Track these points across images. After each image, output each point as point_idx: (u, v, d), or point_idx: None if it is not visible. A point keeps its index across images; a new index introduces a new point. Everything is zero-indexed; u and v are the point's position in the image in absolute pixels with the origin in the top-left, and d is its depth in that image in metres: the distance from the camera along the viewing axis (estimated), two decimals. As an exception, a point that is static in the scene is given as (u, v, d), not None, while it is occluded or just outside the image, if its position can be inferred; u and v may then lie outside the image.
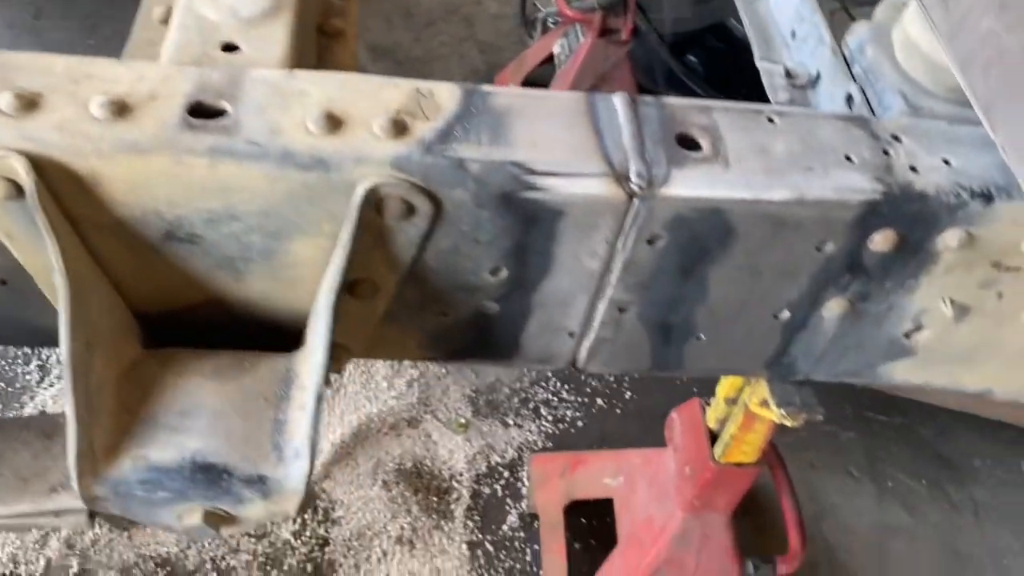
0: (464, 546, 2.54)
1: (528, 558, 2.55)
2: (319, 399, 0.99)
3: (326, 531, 2.51)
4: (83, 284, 1.00)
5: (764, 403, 1.48)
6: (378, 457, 2.67)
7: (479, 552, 2.54)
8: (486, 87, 1.07)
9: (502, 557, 2.54)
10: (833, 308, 1.24)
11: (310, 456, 1.00)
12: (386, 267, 1.08)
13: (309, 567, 2.44)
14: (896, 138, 1.14)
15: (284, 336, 1.18)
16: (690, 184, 1.03)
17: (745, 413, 1.58)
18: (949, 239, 1.13)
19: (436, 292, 1.15)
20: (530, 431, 2.84)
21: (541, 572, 2.49)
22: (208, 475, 0.98)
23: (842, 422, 3.08)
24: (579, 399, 2.95)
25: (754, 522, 2.60)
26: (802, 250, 1.14)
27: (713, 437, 1.76)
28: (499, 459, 2.75)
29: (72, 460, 0.92)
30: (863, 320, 1.28)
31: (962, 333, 1.32)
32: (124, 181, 0.96)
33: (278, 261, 1.08)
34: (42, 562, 2.34)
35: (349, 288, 1.10)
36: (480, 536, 2.57)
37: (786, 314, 1.25)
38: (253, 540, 2.47)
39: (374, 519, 2.54)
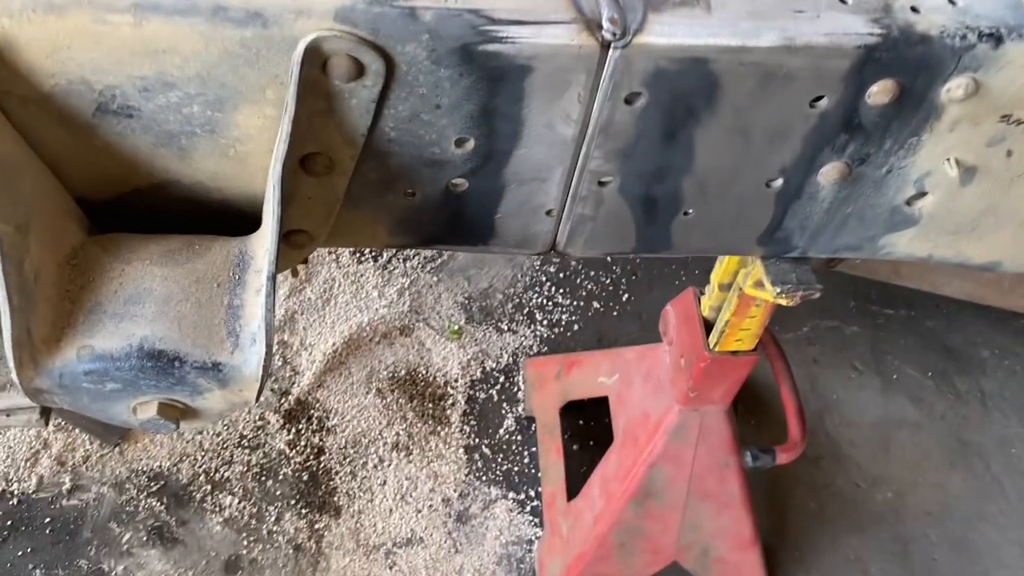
0: (461, 450, 2.53)
1: (526, 460, 2.55)
2: (273, 281, 0.94)
3: (321, 440, 2.51)
4: (10, 164, 0.93)
5: (759, 284, 1.42)
6: (371, 366, 2.65)
7: (476, 456, 2.54)
8: None
9: (499, 460, 2.54)
10: (829, 173, 1.17)
11: (267, 341, 0.95)
12: (340, 138, 1.00)
13: (305, 476, 2.44)
14: (897, -28, 1.04)
15: (243, 223, 1.12)
16: (668, 31, 0.95)
17: (740, 297, 1.53)
18: (954, 88, 1.04)
19: (399, 168, 1.08)
20: (525, 336, 2.80)
21: (539, 474, 2.49)
22: (159, 363, 0.93)
23: (846, 317, 3.04)
24: (574, 302, 2.90)
25: (754, 417, 2.59)
26: (794, 107, 1.06)
27: (708, 326, 1.71)
28: (494, 364, 2.72)
29: (9, 351, 0.87)
30: (862, 186, 1.21)
31: (968, 198, 1.25)
32: (42, 46, 0.89)
33: (224, 135, 1.01)
34: (34, 480, 2.34)
35: (302, 164, 1.03)
36: (477, 440, 2.57)
37: (779, 182, 1.18)
38: (247, 451, 2.46)
39: (369, 427, 2.53)
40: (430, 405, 2.60)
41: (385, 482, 2.44)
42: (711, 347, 1.68)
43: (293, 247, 1.16)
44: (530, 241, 1.25)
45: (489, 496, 2.47)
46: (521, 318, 2.85)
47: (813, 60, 0.99)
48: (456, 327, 2.78)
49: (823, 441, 2.70)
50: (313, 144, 1.01)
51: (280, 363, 2.64)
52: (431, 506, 2.42)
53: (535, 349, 2.78)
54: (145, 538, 2.29)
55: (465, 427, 2.58)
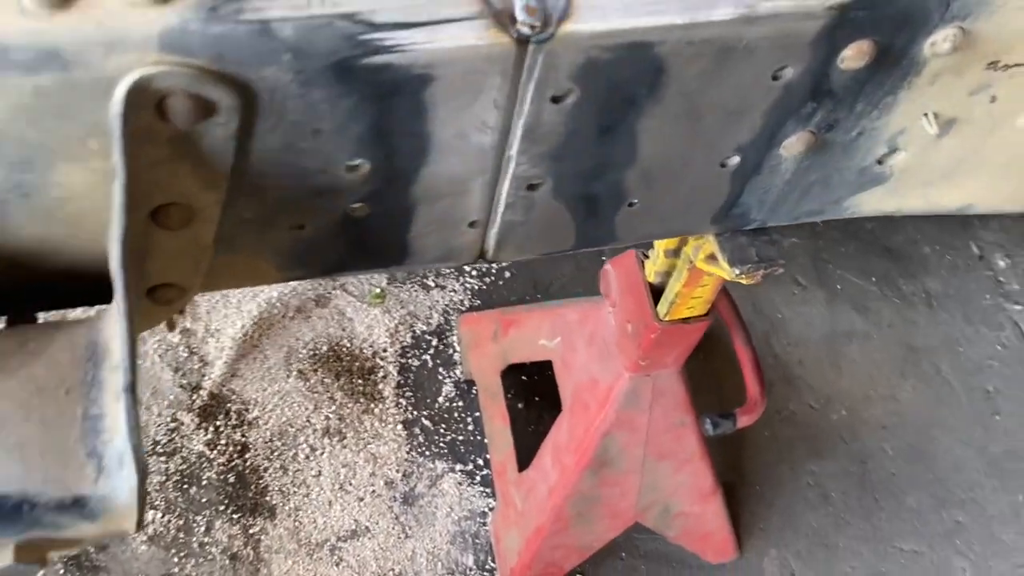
0: (399, 426, 2.39)
1: (471, 427, 2.43)
2: (133, 393, 0.75)
3: (243, 436, 2.33)
4: None
5: (712, 258, 1.28)
6: (288, 345, 2.45)
7: (416, 430, 2.40)
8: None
9: (442, 431, 2.41)
10: (793, 146, 1.02)
11: (138, 459, 0.76)
12: (197, 184, 0.80)
13: (231, 477, 2.27)
14: (865, -89, 0.87)
15: (103, 286, 0.92)
16: (600, 13, 0.76)
17: (690, 270, 1.38)
18: (940, 42, 0.89)
19: (280, 203, 0.89)
20: (454, 291, 2.64)
21: (485, 440, 2.38)
22: (1, 510, 0.74)
23: (784, 228, 2.94)
24: (503, 246, 2.74)
25: (706, 368, 2.49)
26: (754, 81, 0.89)
27: (654, 290, 1.57)
28: (424, 327, 2.56)
29: None
30: (828, 152, 1.06)
31: (945, 149, 1.12)
32: None
33: (43, 197, 0.79)
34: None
35: (154, 217, 0.82)
36: (415, 413, 2.43)
37: (735, 160, 1.03)
38: (163, 458, 2.27)
39: (295, 414, 2.36)
40: (359, 381, 2.44)
41: (320, 473, 2.29)
42: (660, 317, 1.55)
43: (161, 304, 0.96)
44: (453, 255, 1.08)
45: (435, 471, 2.35)
46: (448, 271, 2.68)
47: (777, 28, 0.83)
48: (378, 290, 2.59)
49: (772, 364, 2.64)
50: (163, 195, 0.80)
51: (186, 354, 2.43)
52: (374, 491, 2.29)
53: (467, 304, 2.63)
54: (62, 571, 2.11)
55: (401, 400, 2.43)
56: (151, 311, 0.98)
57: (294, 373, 2.42)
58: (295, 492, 2.27)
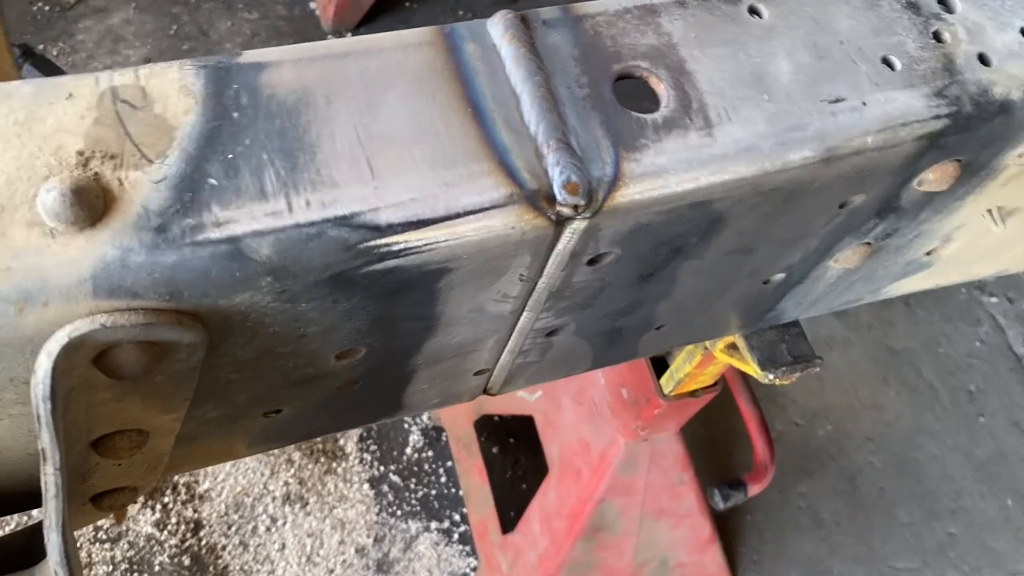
0: (366, 485, 2.24)
1: (443, 479, 2.29)
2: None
3: (195, 511, 2.15)
4: None
5: (733, 348, 1.16)
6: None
7: (385, 487, 2.25)
8: (251, 55, 0.59)
9: (412, 486, 2.27)
10: (848, 259, 0.90)
11: None
12: (151, 412, 0.64)
13: (186, 559, 2.10)
14: (945, 3, 0.74)
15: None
16: (656, 176, 0.62)
17: (706, 355, 1.26)
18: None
19: (252, 399, 0.73)
20: (414, 326, 2.48)
21: (460, 493, 2.25)
22: None
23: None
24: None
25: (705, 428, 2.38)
26: (818, 213, 0.76)
27: (657, 364, 1.45)
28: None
29: None
30: (880, 255, 0.94)
31: (996, 235, 1.01)
32: None
33: (-54, 445, 0.62)
34: None
35: (96, 446, 0.66)
36: (382, 468, 2.28)
37: (780, 276, 0.90)
38: (107, 545, 2.08)
39: (250, 482, 2.18)
40: (318, 438, 2.27)
41: (284, 546, 2.14)
42: (666, 393, 1.43)
43: (106, 509, 0.80)
44: (452, 400, 0.93)
45: (409, 532, 2.21)
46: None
47: (857, 163, 0.69)
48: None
49: (755, 383, 2.56)
50: (107, 427, 0.64)
51: (122, 422, 2.23)
52: (344, 561, 2.15)
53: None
54: None
55: (365, 455, 2.28)
56: (96, 513, 0.82)
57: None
58: (258, 570, 2.10)
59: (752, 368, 1.10)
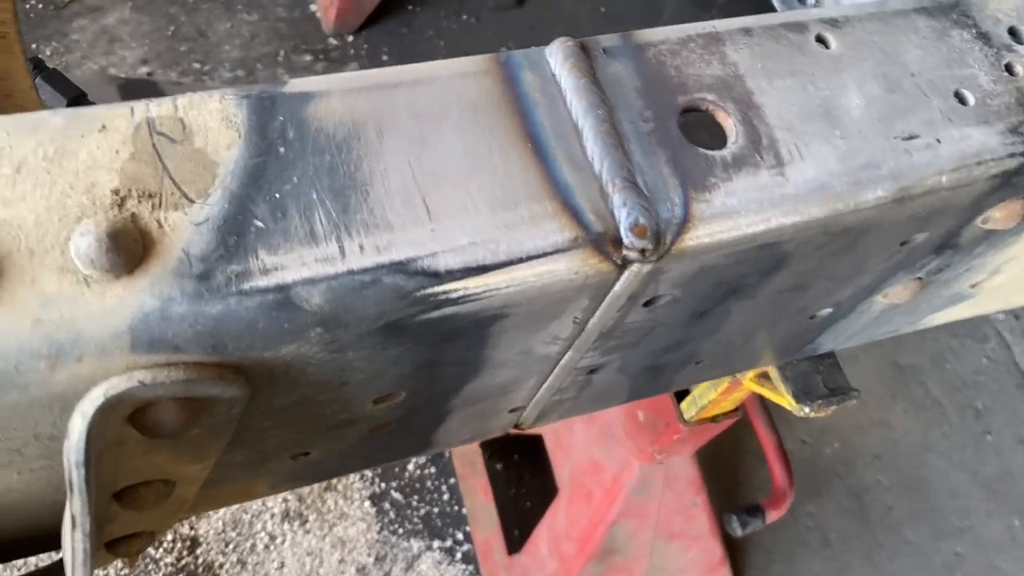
0: (367, 503, 2.20)
1: (446, 496, 2.25)
2: None
3: (192, 528, 2.10)
4: None
5: (765, 378, 1.12)
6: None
7: (386, 505, 2.21)
8: (297, 84, 0.55)
9: (415, 504, 2.23)
10: (898, 294, 0.86)
11: None
12: (180, 463, 0.60)
13: (182, 578, 2.05)
14: (1016, 35, 0.71)
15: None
16: (726, 220, 0.58)
17: (732, 383, 1.23)
18: (1095, 187, 0.74)
19: (284, 444, 0.69)
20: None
21: (463, 510, 2.21)
22: None
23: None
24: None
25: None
26: (879, 252, 0.73)
27: (677, 391, 1.41)
28: (386, 383, 2.35)
29: None
30: (927, 288, 0.91)
31: (1044, 265, 0.98)
32: None
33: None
34: None
35: (119, 497, 0.62)
36: (383, 485, 2.23)
37: (827, 311, 0.86)
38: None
39: (249, 498, 2.14)
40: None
41: (283, 564, 2.09)
42: (687, 419, 1.40)
43: (122, 554, 0.76)
44: (483, 435, 0.89)
45: (411, 551, 2.17)
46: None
47: (928, 203, 0.66)
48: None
49: (772, 406, 2.53)
50: (133, 478, 0.60)
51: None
52: (344, 580, 2.10)
53: (430, 353, 2.43)
54: None
55: (366, 472, 2.23)
56: (108, 557, 0.78)
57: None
58: (256, 589, 2.06)
59: (786, 400, 1.07)
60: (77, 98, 0.82)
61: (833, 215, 0.61)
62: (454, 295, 0.52)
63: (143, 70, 2.80)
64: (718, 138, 0.61)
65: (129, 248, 0.47)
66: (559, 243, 0.54)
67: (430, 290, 0.51)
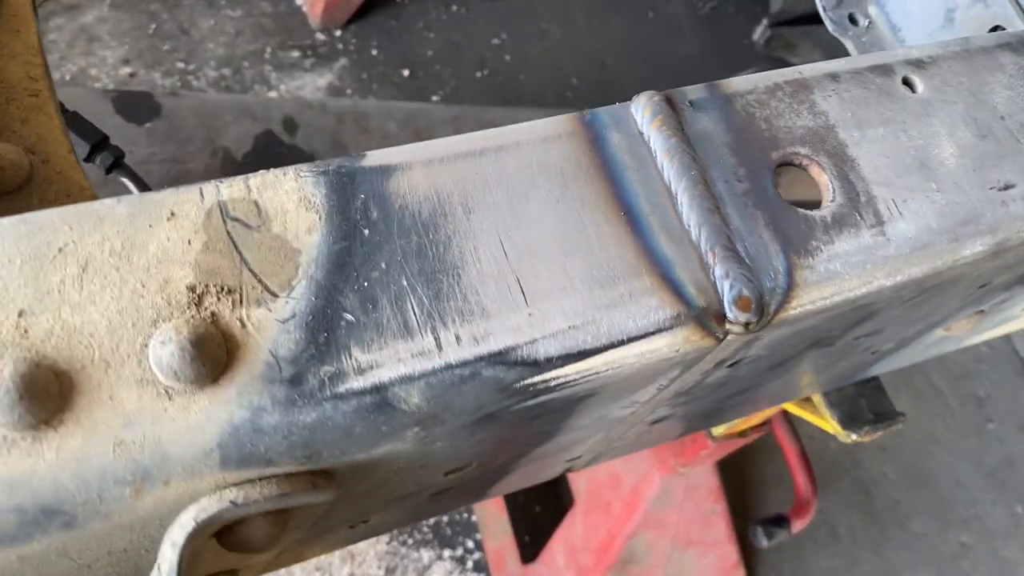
0: (375, 513, 2.17)
1: (454, 504, 2.22)
2: None
3: None
4: None
5: (807, 402, 1.10)
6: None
7: (394, 515, 2.18)
8: (376, 157, 0.51)
9: (423, 512, 2.20)
10: (960, 327, 0.84)
11: None
12: (249, 559, 0.56)
13: (188, 597, 2.00)
14: (1102, 70, 0.68)
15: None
16: (829, 285, 0.55)
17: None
18: None
19: (347, 518, 0.65)
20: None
21: (474, 519, 2.18)
22: None
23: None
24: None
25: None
26: (960, 296, 0.70)
27: (704, 403, 1.39)
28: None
29: None
30: (985, 318, 0.89)
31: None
32: None
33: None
34: None
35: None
36: (391, 494, 2.20)
37: (889, 346, 0.84)
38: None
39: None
40: (324, 465, 2.19)
41: (291, 580, 2.06)
42: (715, 435, 1.37)
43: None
44: (534, 482, 0.86)
45: (421, 562, 2.14)
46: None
47: (1022, 253, 0.63)
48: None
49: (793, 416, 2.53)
50: (201, 572, 0.56)
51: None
52: (355, 594, 2.07)
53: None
54: None
55: (373, 482, 2.20)
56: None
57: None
58: (265, 607, 2.02)
59: (831, 425, 1.05)
60: (100, 143, 0.77)
61: (932, 273, 0.58)
62: (553, 383, 0.49)
63: (125, 70, 2.72)
64: (813, 194, 0.58)
65: (213, 354, 0.43)
66: (661, 321, 0.50)
67: (529, 380, 0.48)
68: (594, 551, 1.77)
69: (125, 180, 0.82)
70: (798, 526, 1.55)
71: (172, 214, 0.46)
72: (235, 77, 2.79)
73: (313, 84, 2.84)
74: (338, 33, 2.95)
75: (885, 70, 0.62)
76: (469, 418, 0.48)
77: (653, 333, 0.50)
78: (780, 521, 1.54)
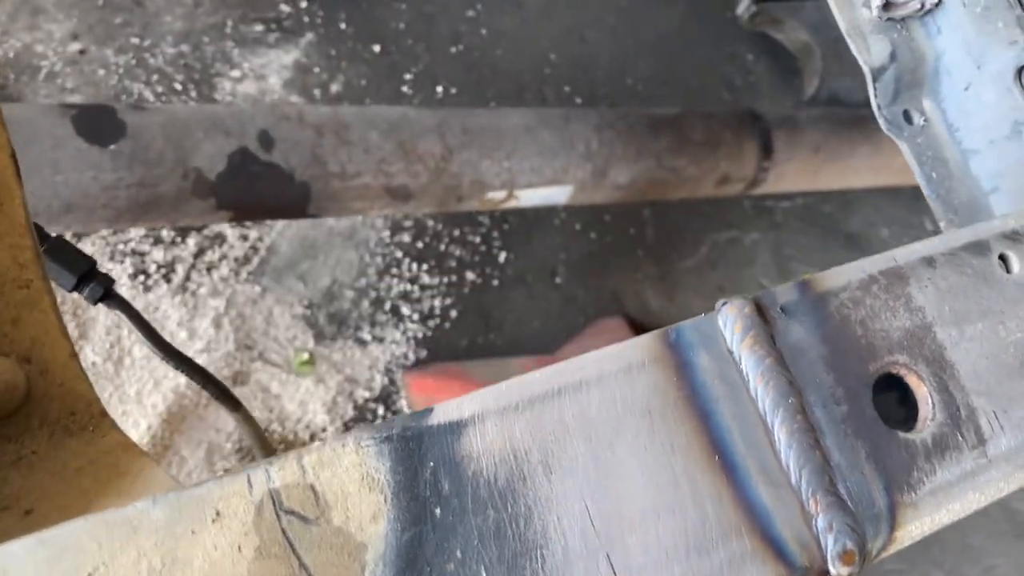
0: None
1: (434, 509, 2.19)
2: None
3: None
4: None
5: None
6: (208, 440, 2.10)
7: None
8: (447, 410, 0.45)
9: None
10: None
11: None
12: None
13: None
14: None
15: None
16: (927, 519, 0.51)
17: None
18: None
19: None
20: (395, 342, 2.33)
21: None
22: None
23: (743, 222, 2.78)
24: (443, 279, 2.43)
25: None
26: None
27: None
28: (366, 393, 2.26)
29: None
30: None
31: None
32: None
33: None
34: None
35: None
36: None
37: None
38: None
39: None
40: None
41: None
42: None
43: None
44: None
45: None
46: (384, 317, 2.36)
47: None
48: (305, 355, 2.26)
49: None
50: None
51: (81, 465, 2.04)
52: None
53: (412, 356, 2.33)
54: None
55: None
56: None
57: (219, 474, 2.08)
58: None
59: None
60: (88, 273, 0.68)
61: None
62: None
63: (74, 47, 2.55)
64: (910, 407, 0.53)
65: None
66: (762, 585, 0.46)
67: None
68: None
69: (118, 312, 0.74)
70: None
71: (217, 514, 0.40)
72: (195, 54, 2.63)
73: (279, 61, 2.70)
74: (303, 5, 2.79)
75: (980, 248, 0.57)
76: None
77: (749, 601, 0.46)
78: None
